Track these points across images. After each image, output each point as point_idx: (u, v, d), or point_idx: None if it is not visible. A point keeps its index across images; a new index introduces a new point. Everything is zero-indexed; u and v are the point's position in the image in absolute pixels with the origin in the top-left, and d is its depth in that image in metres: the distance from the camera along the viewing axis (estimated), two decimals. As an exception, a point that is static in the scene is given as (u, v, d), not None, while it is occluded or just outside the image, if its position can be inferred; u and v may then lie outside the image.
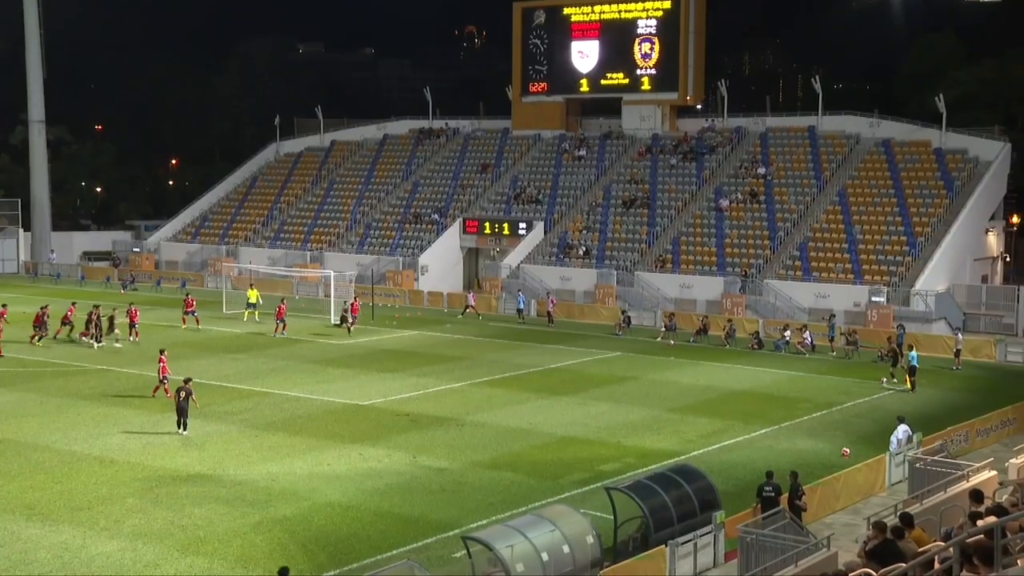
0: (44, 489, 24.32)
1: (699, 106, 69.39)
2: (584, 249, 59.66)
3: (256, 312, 50.26)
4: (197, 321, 47.64)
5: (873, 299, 49.12)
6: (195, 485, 24.71)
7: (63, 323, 44.65)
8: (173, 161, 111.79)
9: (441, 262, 63.90)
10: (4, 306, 44.14)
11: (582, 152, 68.43)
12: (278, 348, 43.61)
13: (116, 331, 43.92)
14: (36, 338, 43.37)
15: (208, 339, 45.38)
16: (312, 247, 68.40)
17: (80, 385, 35.77)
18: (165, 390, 33.14)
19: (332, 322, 50.54)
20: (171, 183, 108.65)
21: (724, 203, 59.36)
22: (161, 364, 33.62)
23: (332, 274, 53.78)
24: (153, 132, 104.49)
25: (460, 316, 54.07)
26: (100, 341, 43.27)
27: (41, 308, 44.59)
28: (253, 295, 51.05)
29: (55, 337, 44.15)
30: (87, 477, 25.23)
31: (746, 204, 59.04)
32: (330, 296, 53.02)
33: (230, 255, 69.98)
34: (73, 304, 47.07)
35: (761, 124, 65.50)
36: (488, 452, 27.93)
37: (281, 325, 46.28)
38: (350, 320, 47.89)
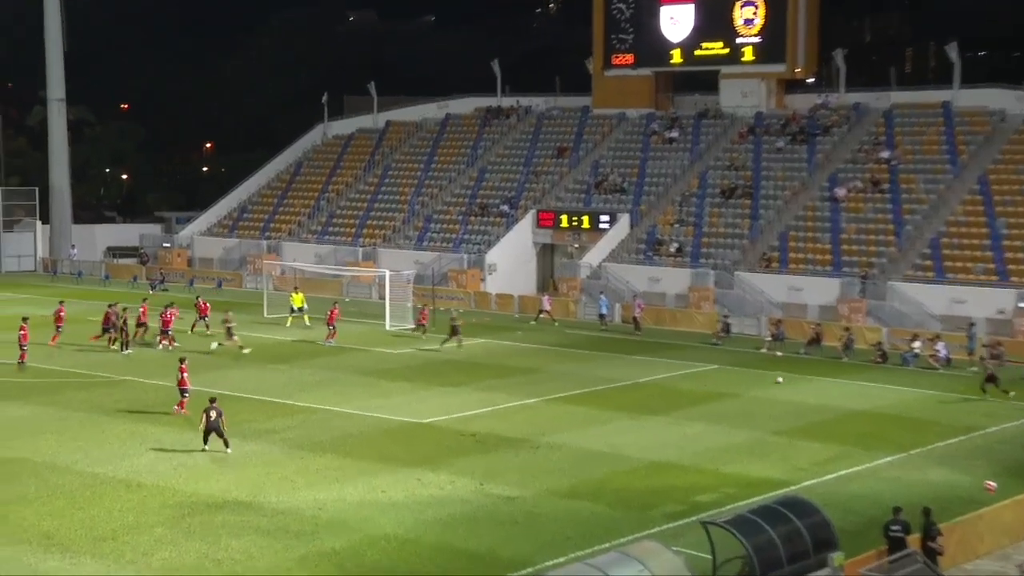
0: (64, 516, 24.74)
1: (810, 80, 68.51)
2: (676, 246, 59.28)
3: (305, 316, 50.77)
4: (207, 327, 48.09)
5: (1020, 304, 48.13)
6: (232, 513, 24.96)
7: (138, 325, 46.11)
8: (208, 145, 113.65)
9: (511, 260, 63.96)
10: (61, 302, 46.70)
11: (674, 133, 67.99)
12: (326, 358, 44.03)
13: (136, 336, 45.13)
14: (112, 341, 44.77)
15: (247, 347, 46.09)
16: (364, 243, 68.92)
17: (104, 398, 36.37)
18: (181, 404, 33.79)
19: (387, 327, 50.97)
20: (205, 170, 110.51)
21: (840, 192, 58.56)
22: (182, 375, 34.10)
23: (387, 274, 54.19)
24: (186, 113, 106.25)
25: (533, 322, 54.09)
26: (128, 348, 44.31)
27: (109, 306, 46.30)
28: (298, 299, 51.54)
29: (132, 339, 45.39)
30: (111, 503, 25.57)
31: (867, 193, 58.16)
32: (385, 299, 53.45)
33: (272, 251, 70.78)
34: (145, 301, 49.00)
35: (885, 100, 64.46)
36: (566, 479, 27.88)
37: (332, 331, 46.78)
38: (459, 336, 46.30)
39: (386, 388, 38.48)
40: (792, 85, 67.75)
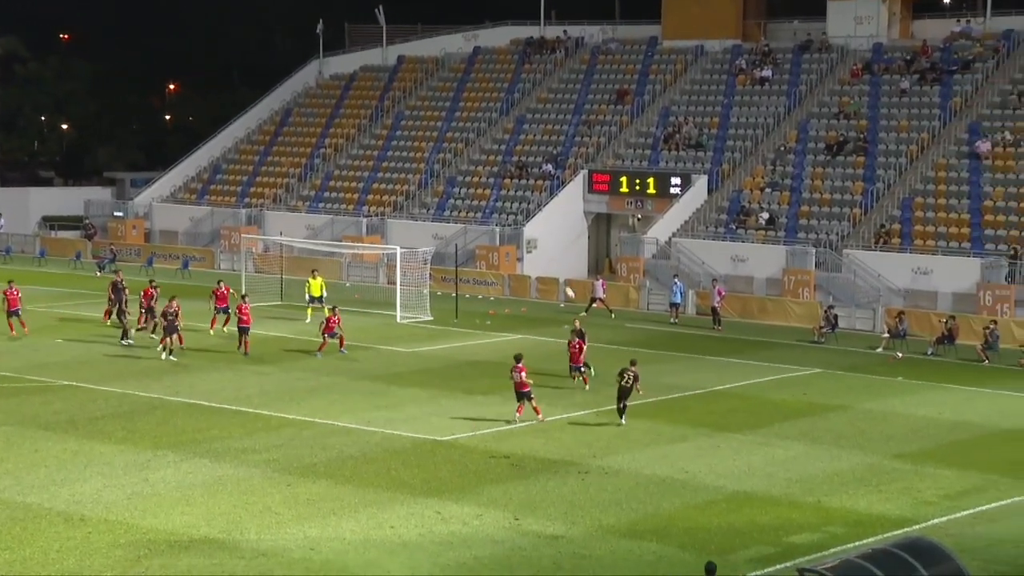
0: (-12, 556, 25.04)
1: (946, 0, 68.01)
2: (768, 216, 59.13)
3: (327, 308, 47.59)
4: (226, 321, 48.10)
5: None
6: (201, 555, 25.02)
7: (143, 310, 47.61)
8: (171, 87, 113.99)
9: (556, 234, 64.07)
10: (11, 282, 48.09)
11: (766, 72, 67.75)
12: (323, 359, 44.15)
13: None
14: (143, 323, 47.20)
15: (222, 344, 46.21)
16: (370, 212, 69.17)
17: (40, 408, 36.63)
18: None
19: (398, 319, 51.13)
20: (168, 118, 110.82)
21: (983, 147, 58.15)
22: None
23: (399, 251, 54.30)
24: (144, 45, 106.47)
25: (583, 314, 53.81)
26: (129, 338, 45.75)
27: (151, 282, 49.25)
28: (316, 286, 51.45)
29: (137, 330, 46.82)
30: (47, 541, 25.65)
31: (1018, 149, 57.77)
32: (395, 283, 53.50)
33: (252, 223, 71.19)
34: (152, 283, 49.42)
35: (1045, 26, 64.21)
36: (624, 513, 27.84)
37: (324, 340, 44.89)
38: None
39: (396, 396, 38.66)
40: (921, 7, 67.25)
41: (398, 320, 51.44)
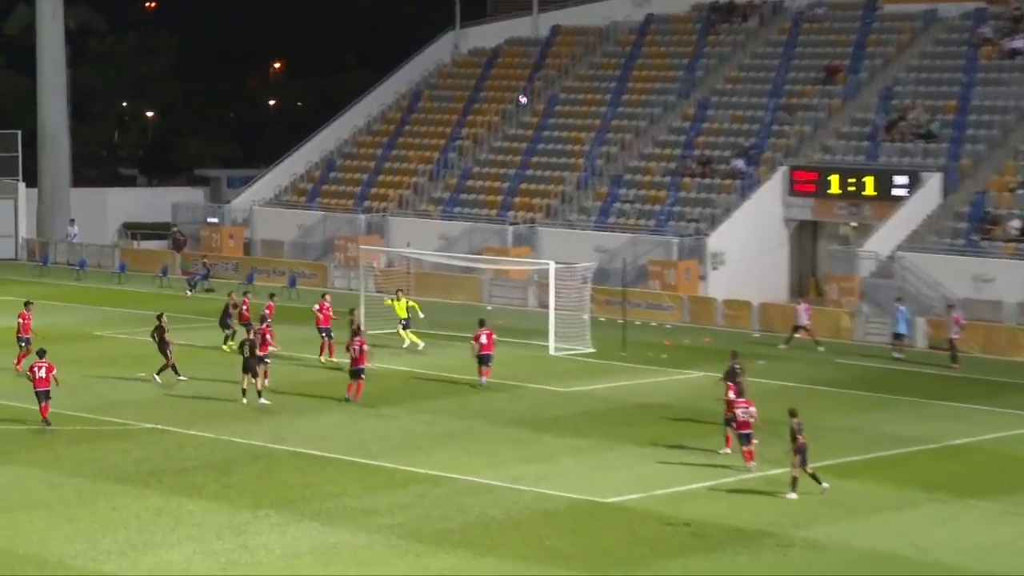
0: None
1: None
2: (1020, 225, 58.28)
3: (410, 334, 50.93)
4: (329, 350, 49.32)
5: None
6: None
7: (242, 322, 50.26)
8: (276, 66, 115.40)
9: (748, 247, 63.81)
10: (27, 304, 48.69)
11: (1018, 42, 66.81)
12: (456, 399, 44.60)
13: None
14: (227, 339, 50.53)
15: (332, 380, 46.51)
16: (517, 219, 69.42)
17: (118, 456, 37.12)
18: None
19: (551, 350, 51.27)
20: (272, 103, 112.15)
21: None
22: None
23: (552, 267, 54.27)
24: (243, 16, 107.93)
25: (783, 346, 53.74)
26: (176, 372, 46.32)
27: (244, 293, 52.04)
28: (401, 307, 52.07)
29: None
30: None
31: None
32: (548, 307, 53.48)
33: (373, 231, 71.87)
34: (246, 295, 52.54)
35: None
36: (838, 600, 27.59)
37: (486, 367, 46.17)
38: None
39: (549, 447, 38.71)
40: None
41: (551, 352, 51.56)
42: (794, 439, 33.68)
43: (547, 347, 51.91)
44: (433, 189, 74.43)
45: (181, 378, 46.00)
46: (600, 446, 38.85)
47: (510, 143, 75.23)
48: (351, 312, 48.53)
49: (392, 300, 52.90)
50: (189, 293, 65.32)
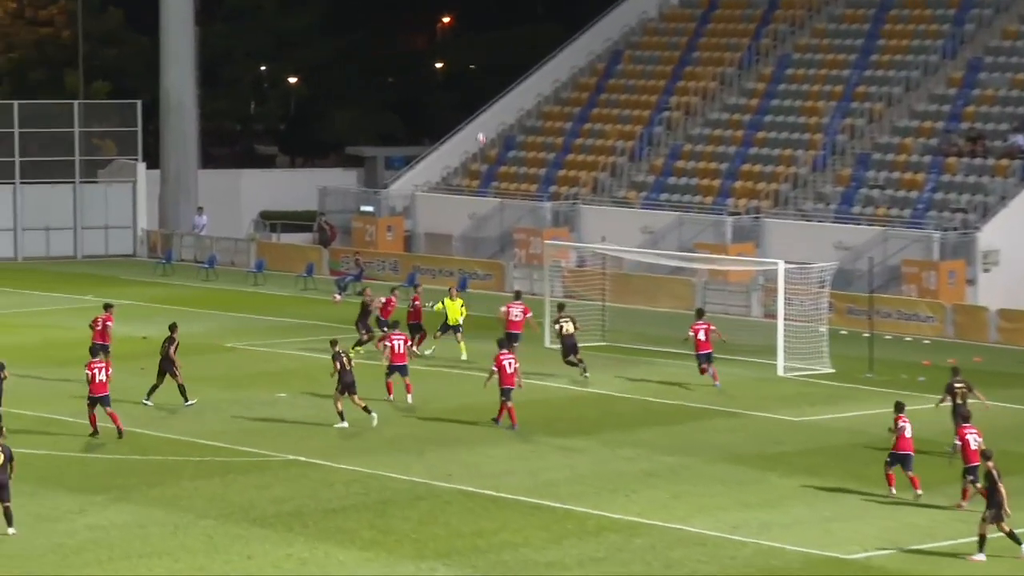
0: None
1: None
2: None
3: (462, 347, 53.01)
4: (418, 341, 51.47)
5: None
6: None
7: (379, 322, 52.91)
8: (444, 21, 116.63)
9: (1032, 243, 62.94)
10: (107, 307, 51.15)
11: None
12: (664, 428, 45.41)
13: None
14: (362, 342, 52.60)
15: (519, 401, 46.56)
16: (737, 208, 70.17)
17: (254, 494, 38.13)
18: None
19: (780, 370, 52.05)
20: (439, 67, 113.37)
21: None
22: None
23: (781, 267, 54.64)
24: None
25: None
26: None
27: (392, 289, 54.46)
28: (453, 309, 53.88)
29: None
30: None
31: None
32: (777, 316, 53.85)
33: (562, 223, 72.94)
34: (394, 292, 54.90)
35: None
36: None
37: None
38: None
39: (777, 489, 39.11)
40: None
41: (780, 372, 52.19)
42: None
43: (775, 366, 52.52)
44: (634, 172, 75.33)
45: (190, 403, 47.05)
46: (839, 489, 39.00)
47: (730, 115, 76.01)
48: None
49: (442, 302, 54.66)
50: (338, 297, 66.40)
